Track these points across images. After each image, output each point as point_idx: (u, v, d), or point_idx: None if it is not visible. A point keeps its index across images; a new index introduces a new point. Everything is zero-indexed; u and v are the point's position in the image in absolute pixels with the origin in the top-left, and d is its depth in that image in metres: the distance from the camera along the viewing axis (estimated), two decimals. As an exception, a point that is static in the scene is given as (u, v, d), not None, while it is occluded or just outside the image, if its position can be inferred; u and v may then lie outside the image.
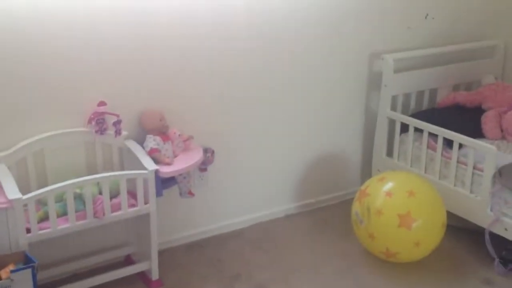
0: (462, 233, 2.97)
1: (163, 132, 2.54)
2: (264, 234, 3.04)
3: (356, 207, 2.71)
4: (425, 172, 2.99)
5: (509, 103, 3.15)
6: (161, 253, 2.70)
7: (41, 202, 2.23)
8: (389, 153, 3.26)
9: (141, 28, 2.47)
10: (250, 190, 3.07)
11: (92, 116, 2.39)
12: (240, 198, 3.05)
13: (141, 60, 2.52)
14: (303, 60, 3.00)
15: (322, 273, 2.72)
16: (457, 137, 2.81)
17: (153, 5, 2.47)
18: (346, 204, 3.09)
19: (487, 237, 2.70)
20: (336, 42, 3.08)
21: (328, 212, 3.29)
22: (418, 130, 3.04)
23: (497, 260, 2.71)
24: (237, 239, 2.98)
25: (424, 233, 2.57)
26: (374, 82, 3.26)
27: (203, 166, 2.77)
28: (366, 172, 3.39)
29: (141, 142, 2.50)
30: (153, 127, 2.53)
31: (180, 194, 2.66)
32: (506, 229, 2.62)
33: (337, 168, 3.38)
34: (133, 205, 2.36)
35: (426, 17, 3.36)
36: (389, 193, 2.60)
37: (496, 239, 2.70)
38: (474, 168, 2.75)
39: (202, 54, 2.68)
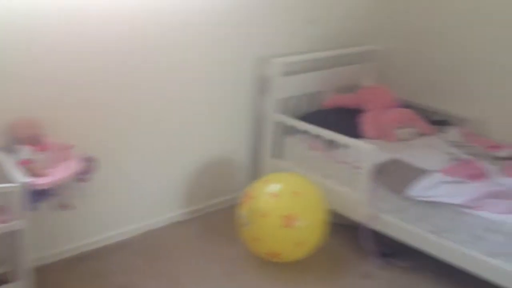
0: (346, 230, 3.08)
1: (38, 142, 2.40)
2: (151, 243, 2.97)
3: (241, 210, 2.73)
4: (310, 173, 3.07)
5: (385, 105, 3.34)
6: (39, 269, 2.55)
7: None
8: (277, 155, 3.32)
9: (14, 28, 2.30)
10: (135, 199, 2.98)
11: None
12: (125, 207, 2.95)
13: (13, 63, 2.34)
14: (190, 64, 2.97)
15: (210, 279, 2.71)
16: (338, 138, 2.92)
17: (26, 3, 2.31)
18: (235, 208, 3.10)
19: (364, 232, 2.83)
20: (224, 46, 3.07)
21: (218, 217, 3.28)
22: (303, 132, 3.13)
23: (374, 254, 2.85)
24: (123, 250, 2.88)
25: (306, 233, 2.63)
26: (262, 85, 3.30)
27: (82, 176, 2.65)
28: (255, 175, 3.42)
29: (13, 152, 2.33)
30: (26, 136, 2.38)
31: (58, 206, 2.52)
32: (382, 225, 2.76)
33: (226, 172, 3.38)
34: (4, 221, 2.20)
35: (311, 23, 3.46)
36: (273, 195, 2.64)
37: (377, 234, 2.84)
38: (354, 167, 2.87)
39: (80, 59, 2.55)
